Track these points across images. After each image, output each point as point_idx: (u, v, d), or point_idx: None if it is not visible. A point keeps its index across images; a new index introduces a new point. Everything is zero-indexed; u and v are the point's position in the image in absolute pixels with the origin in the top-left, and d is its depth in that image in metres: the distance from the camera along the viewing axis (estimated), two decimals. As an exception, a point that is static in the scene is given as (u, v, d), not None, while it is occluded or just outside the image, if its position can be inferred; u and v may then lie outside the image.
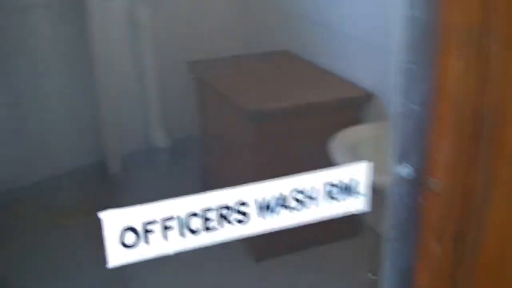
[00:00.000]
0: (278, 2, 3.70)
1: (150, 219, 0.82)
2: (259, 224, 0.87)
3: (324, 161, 2.52)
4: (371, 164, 0.94)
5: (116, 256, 0.80)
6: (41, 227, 3.32)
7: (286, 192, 0.87)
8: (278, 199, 0.88)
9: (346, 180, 0.92)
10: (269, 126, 2.78)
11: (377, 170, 2.25)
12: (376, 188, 2.30)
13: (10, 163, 3.48)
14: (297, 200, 0.88)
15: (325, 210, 0.91)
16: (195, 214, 0.84)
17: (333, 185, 0.91)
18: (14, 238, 3.22)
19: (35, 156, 3.58)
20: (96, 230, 1.05)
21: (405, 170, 0.97)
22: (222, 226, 0.84)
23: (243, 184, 0.89)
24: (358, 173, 0.91)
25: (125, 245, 0.80)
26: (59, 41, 3.54)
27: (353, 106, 2.90)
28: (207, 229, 0.84)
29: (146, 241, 0.82)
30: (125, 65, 3.79)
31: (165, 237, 0.83)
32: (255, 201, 0.86)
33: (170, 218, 0.83)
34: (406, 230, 1.01)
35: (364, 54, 2.91)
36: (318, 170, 0.90)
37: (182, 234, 0.83)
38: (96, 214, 0.83)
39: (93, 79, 3.54)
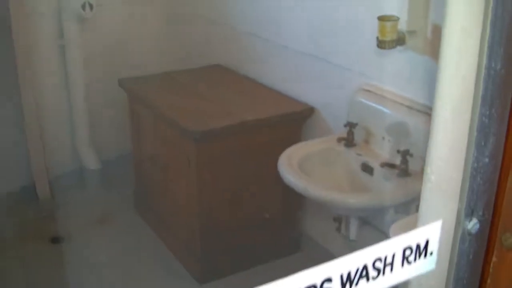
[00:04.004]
0: (207, 12, 3.65)
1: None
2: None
3: (271, 177, 2.52)
4: (440, 221, 0.91)
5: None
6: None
7: (368, 262, 0.83)
8: (360, 270, 0.84)
9: (421, 242, 0.89)
10: (212, 145, 2.73)
11: (323, 185, 2.29)
12: (323, 202, 2.32)
13: None
14: (376, 268, 0.85)
15: (399, 274, 0.88)
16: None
17: (409, 248, 0.89)
18: None
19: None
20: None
21: (473, 224, 0.96)
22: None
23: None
24: (432, 232, 0.89)
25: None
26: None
27: (296, 121, 2.89)
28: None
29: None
30: (52, 84, 3.66)
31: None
32: (340, 276, 0.82)
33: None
34: (469, 284, 1.00)
35: (302, 67, 2.92)
36: (397, 236, 0.87)
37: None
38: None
39: (19, 98, 3.37)
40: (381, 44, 2.23)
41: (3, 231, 3.34)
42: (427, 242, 0.89)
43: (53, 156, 3.67)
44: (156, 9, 3.98)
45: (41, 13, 3.47)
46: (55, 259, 3.11)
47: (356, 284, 0.83)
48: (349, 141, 2.49)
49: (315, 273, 0.80)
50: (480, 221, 0.96)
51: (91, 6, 3.47)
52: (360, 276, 0.84)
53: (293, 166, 2.35)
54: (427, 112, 2.24)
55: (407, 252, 0.88)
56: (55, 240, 3.27)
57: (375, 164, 2.35)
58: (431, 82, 2.27)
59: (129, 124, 3.40)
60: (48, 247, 3.22)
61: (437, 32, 2.15)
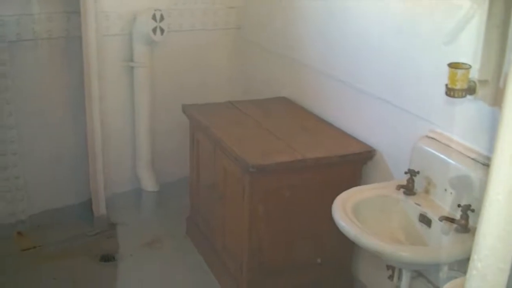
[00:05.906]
0: (281, 48, 3.62)
1: None
2: None
3: (326, 218, 2.44)
4: None
5: None
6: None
7: None
8: None
9: None
10: (268, 180, 2.69)
11: (376, 233, 2.18)
12: (374, 252, 2.22)
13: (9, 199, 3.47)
14: None
15: None
16: None
17: None
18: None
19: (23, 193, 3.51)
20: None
21: None
22: None
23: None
24: None
25: None
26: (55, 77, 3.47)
27: (356, 162, 2.81)
28: None
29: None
30: (118, 104, 3.72)
31: None
32: None
33: None
34: None
35: (368, 108, 2.85)
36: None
37: None
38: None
39: (84, 115, 3.44)
40: (449, 92, 2.13)
41: (55, 244, 3.39)
42: None
43: (113, 175, 3.71)
44: (226, 38, 3.99)
45: (113, 35, 3.53)
46: (101, 278, 3.12)
47: None
48: (408, 189, 2.39)
49: None
50: None
51: (162, 31, 3.52)
52: None
53: (347, 211, 2.26)
54: (494, 167, 2.12)
55: None
56: (104, 258, 3.29)
57: (433, 216, 2.24)
58: (500, 136, 2.15)
59: (189, 150, 3.40)
60: (96, 265, 3.25)
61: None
